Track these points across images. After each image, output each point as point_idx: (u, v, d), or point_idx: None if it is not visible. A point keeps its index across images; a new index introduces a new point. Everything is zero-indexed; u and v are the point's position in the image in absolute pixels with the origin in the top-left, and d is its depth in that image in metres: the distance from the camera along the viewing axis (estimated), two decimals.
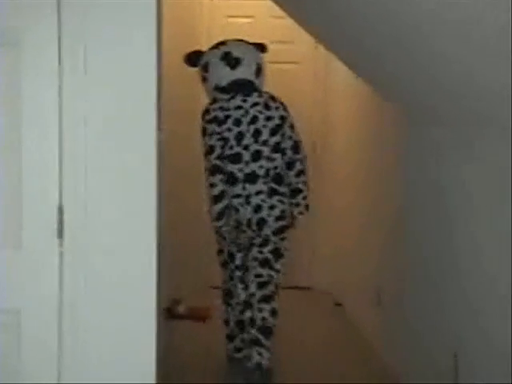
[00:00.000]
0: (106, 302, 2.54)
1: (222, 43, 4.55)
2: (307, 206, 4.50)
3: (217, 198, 4.33)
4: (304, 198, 4.46)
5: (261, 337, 4.29)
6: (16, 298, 2.50)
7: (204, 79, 4.51)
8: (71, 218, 2.48)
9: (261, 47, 4.62)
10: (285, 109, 4.45)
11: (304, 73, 6.50)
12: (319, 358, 4.84)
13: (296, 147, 4.42)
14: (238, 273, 4.48)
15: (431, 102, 3.58)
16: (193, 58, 4.53)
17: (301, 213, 4.48)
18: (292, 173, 4.41)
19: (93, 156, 2.49)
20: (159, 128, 2.70)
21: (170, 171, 4.29)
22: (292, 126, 4.44)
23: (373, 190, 5.17)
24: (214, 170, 4.33)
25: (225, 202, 4.32)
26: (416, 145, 4.13)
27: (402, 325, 4.38)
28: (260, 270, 4.37)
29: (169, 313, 5.45)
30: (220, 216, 4.35)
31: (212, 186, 4.34)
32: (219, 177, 4.31)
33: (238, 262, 4.48)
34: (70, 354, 2.52)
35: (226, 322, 4.62)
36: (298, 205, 4.45)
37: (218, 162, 4.32)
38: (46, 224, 2.48)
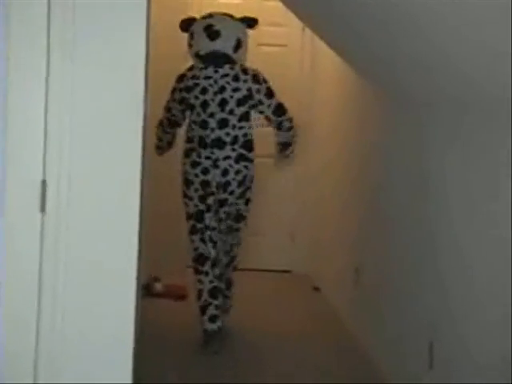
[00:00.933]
0: (87, 277, 2.55)
1: (210, 16, 4.81)
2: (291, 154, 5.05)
3: (157, 148, 5.04)
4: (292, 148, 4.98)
5: (224, 289, 4.83)
6: None
7: (189, 45, 4.81)
8: (54, 192, 2.48)
9: (251, 21, 4.85)
10: (257, 81, 4.68)
11: (291, 55, 6.50)
12: (294, 341, 4.85)
13: (278, 110, 4.74)
14: (208, 232, 4.68)
15: (415, 85, 3.59)
16: (185, 24, 4.82)
17: (287, 156, 5.05)
18: (282, 131, 4.84)
19: (78, 131, 2.49)
20: (145, 103, 2.71)
21: (149, 146, 4.31)
22: (269, 94, 4.70)
23: (354, 172, 5.19)
24: (160, 126, 4.93)
25: (160, 153, 5.06)
26: (399, 127, 4.14)
27: (378, 308, 4.41)
28: (226, 236, 4.81)
29: (147, 290, 5.46)
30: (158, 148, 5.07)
31: (156, 136, 4.96)
32: (161, 133, 4.96)
33: (207, 221, 4.68)
34: (48, 328, 2.53)
35: (199, 294, 4.66)
36: (288, 152, 4.99)
37: (165, 123, 4.88)
38: (29, 197, 2.48)
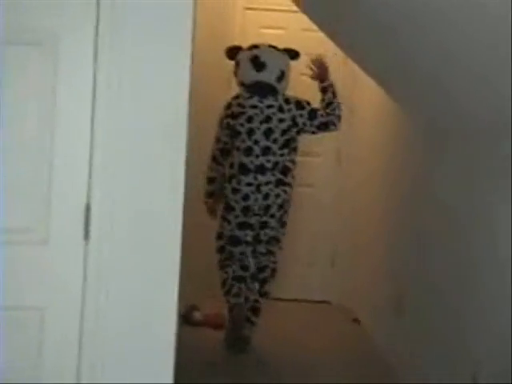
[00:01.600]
0: (129, 304, 2.56)
1: (256, 46, 5.09)
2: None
3: (208, 180, 5.10)
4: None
5: (250, 315, 4.99)
6: (40, 296, 2.52)
7: (235, 73, 5.11)
8: (98, 218, 2.50)
9: (294, 53, 5.11)
10: (300, 107, 4.94)
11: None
12: (329, 372, 4.79)
13: (322, 125, 4.96)
14: (249, 248, 5.00)
15: (450, 121, 3.59)
16: (232, 52, 5.13)
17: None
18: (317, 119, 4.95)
19: (122, 158, 2.51)
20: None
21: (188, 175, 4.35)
22: (312, 115, 4.93)
23: (395, 199, 5.16)
24: (212, 158, 5.06)
25: (213, 186, 5.08)
26: (441, 161, 4.12)
27: (420, 339, 4.35)
28: (262, 258, 5.04)
29: (185, 319, 5.46)
30: (208, 195, 5.12)
31: (209, 169, 5.09)
32: (214, 165, 5.05)
33: (248, 238, 4.98)
34: (90, 355, 2.54)
35: (230, 311, 5.03)
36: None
37: (217, 153, 5.04)
38: (74, 223, 2.50)
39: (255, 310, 5.05)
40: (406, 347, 4.66)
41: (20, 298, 2.51)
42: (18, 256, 2.49)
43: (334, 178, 6.51)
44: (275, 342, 5.10)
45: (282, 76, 4.98)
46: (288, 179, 4.96)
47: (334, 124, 4.98)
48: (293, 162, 5.01)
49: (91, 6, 2.47)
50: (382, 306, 5.26)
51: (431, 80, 3.44)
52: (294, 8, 4.87)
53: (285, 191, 4.94)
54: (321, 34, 4.81)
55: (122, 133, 2.51)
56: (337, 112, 4.99)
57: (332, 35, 4.63)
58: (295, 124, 4.93)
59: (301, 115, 4.93)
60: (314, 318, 6.07)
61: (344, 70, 6.42)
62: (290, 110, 4.92)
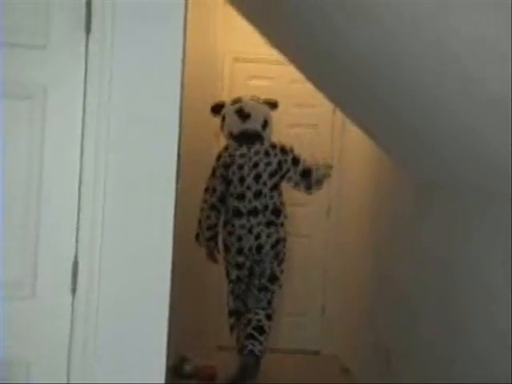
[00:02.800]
0: (116, 358, 2.54)
1: (239, 100, 5.50)
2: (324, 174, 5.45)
3: (208, 227, 5.42)
4: (316, 170, 5.39)
5: (255, 333, 5.24)
6: (26, 350, 2.50)
7: (222, 127, 5.51)
8: (85, 273, 2.50)
9: (272, 104, 5.55)
10: (285, 152, 5.38)
11: (322, 136, 6.54)
12: None
13: (305, 173, 5.36)
14: (242, 287, 5.39)
15: (439, 171, 3.61)
16: (216, 109, 5.54)
17: (323, 175, 5.44)
18: (313, 188, 5.42)
19: (110, 214, 2.51)
20: (177, 182, 2.73)
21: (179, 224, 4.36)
22: (295, 161, 5.36)
23: (382, 250, 5.17)
24: (212, 207, 5.39)
25: (213, 232, 5.43)
26: (428, 213, 4.14)
27: None
28: (258, 294, 5.37)
29: (175, 371, 5.41)
30: (210, 239, 5.45)
31: (208, 218, 5.40)
32: (214, 213, 5.38)
33: (244, 277, 5.37)
34: None
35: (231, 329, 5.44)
36: (309, 184, 5.41)
37: (216, 203, 5.38)
38: (61, 277, 2.49)
39: (260, 328, 5.31)
40: None
41: (6, 352, 2.49)
42: (5, 310, 2.47)
43: (324, 229, 6.53)
44: None
45: (265, 124, 5.42)
46: (280, 219, 5.34)
47: (317, 178, 5.39)
48: (282, 203, 5.39)
49: (80, 57, 2.48)
50: (372, 357, 5.24)
51: (422, 135, 3.47)
52: (282, 59, 4.93)
53: (277, 231, 5.31)
54: (309, 85, 4.85)
55: (111, 188, 2.51)
56: (320, 175, 5.41)
57: (320, 86, 4.67)
58: (280, 168, 5.33)
59: (285, 160, 5.35)
60: (304, 368, 6.04)
61: (333, 119, 6.47)
62: (275, 155, 5.34)
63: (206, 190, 5.44)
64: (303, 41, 3.88)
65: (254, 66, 6.44)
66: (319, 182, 5.43)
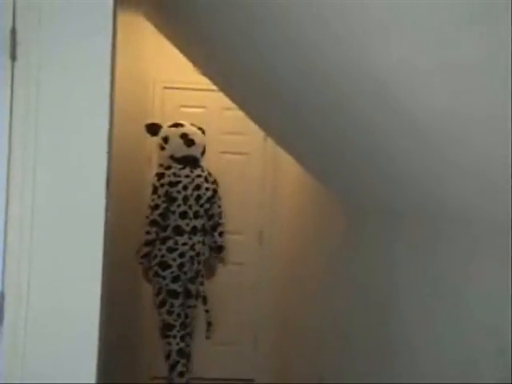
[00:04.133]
0: None
1: (180, 124, 5.71)
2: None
3: (147, 243, 5.51)
4: (223, 252, 5.78)
5: (184, 361, 5.60)
6: None
7: (162, 148, 5.68)
8: (11, 305, 2.44)
9: (202, 131, 5.78)
10: (216, 184, 5.75)
11: (253, 163, 6.56)
12: None
13: (220, 214, 5.75)
14: (180, 300, 5.56)
15: (370, 197, 3.64)
16: (152, 129, 5.74)
17: (222, 262, 5.81)
18: (216, 233, 5.73)
19: (37, 244, 2.47)
20: (107, 209, 2.70)
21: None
22: (219, 198, 5.74)
23: (315, 278, 5.19)
24: (152, 223, 5.50)
25: (150, 248, 5.51)
26: (360, 237, 4.17)
27: None
28: (191, 313, 5.70)
29: None
30: (145, 256, 5.53)
31: (147, 233, 5.50)
32: (154, 229, 5.50)
33: (179, 290, 5.54)
34: None
35: (168, 355, 5.55)
36: (221, 259, 5.79)
37: (157, 219, 5.51)
38: None
39: (188, 354, 5.67)
40: None
41: None
42: None
43: (258, 256, 6.53)
44: None
45: (203, 151, 5.71)
46: (207, 240, 5.67)
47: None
48: (213, 228, 5.72)
49: (6, 83, 2.45)
50: None
51: (348, 158, 3.50)
52: (213, 87, 4.94)
53: (206, 250, 5.65)
54: (240, 113, 4.87)
55: (38, 218, 2.47)
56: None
57: (251, 114, 4.69)
58: (214, 196, 5.69)
59: (216, 191, 5.72)
60: None
61: (265, 146, 6.50)
62: (213, 183, 5.70)
63: (150, 207, 5.56)
64: (229, 66, 3.90)
65: (186, 93, 6.44)
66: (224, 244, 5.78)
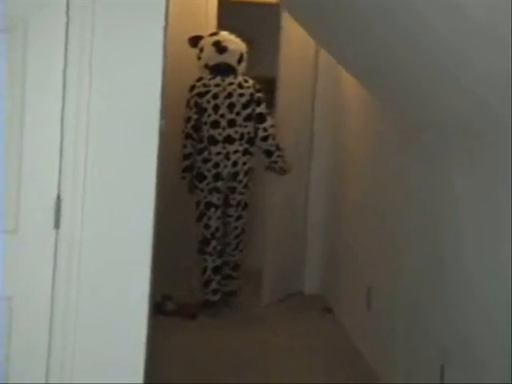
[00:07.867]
0: (99, 294, 2.55)
1: (216, 33, 5.79)
2: (283, 168, 5.74)
3: (185, 156, 5.62)
4: (278, 156, 5.68)
5: (233, 273, 5.82)
6: (9, 285, 2.50)
7: (199, 58, 5.72)
8: (69, 208, 2.49)
9: (247, 42, 5.76)
10: (256, 89, 5.62)
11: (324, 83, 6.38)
12: (305, 366, 4.82)
13: (260, 118, 5.60)
14: (218, 213, 5.62)
15: (425, 111, 3.60)
16: (193, 41, 5.75)
17: (281, 168, 5.73)
18: (257, 139, 5.63)
19: (93, 148, 2.50)
20: (162, 117, 2.72)
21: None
22: (258, 101, 5.60)
23: (365, 193, 5.19)
24: (187, 136, 5.58)
25: (189, 161, 5.60)
26: (410, 152, 4.14)
27: (389, 331, 4.38)
28: (231, 220, 5.72)
29: (158, 308, 5.45)
30: (186, 169, 5.64)
31: (184, 146, 5.60)
32: (189, 142, 5.57)
33: (219, 202, 5.62)
34: (59, 345, 2.53)
35: (204, 270, 5.65)
36: (275, 162, 5.69)
37: (190, 131, 5.56)
38: (44, 213, 2.49)
39: (235, 267, 5.83)
40: (375, 338, 4.69)
41: None
42: None
43: (308, 171, 6.46)
44: (247, 333, 5.20)
45: (241, 58, 5.65)
46: (252, 149, 5.63)
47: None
48: (255, 134, 5.61)
49: None
50: (353, 297, 5.29)
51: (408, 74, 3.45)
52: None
53: (250, 160, 5.62)
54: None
55: (93, 123, 2.49)
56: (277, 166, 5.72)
57: (311, 32, 4.70)
58: (252, 100, 5.57)
59: (255, 96, 5.58)
60: (287, 308, 6.07)
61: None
62: (248, 88, 5.58)
63: (185, 121, 5.63)
64: None
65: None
66: (273, 150, 5.65)
